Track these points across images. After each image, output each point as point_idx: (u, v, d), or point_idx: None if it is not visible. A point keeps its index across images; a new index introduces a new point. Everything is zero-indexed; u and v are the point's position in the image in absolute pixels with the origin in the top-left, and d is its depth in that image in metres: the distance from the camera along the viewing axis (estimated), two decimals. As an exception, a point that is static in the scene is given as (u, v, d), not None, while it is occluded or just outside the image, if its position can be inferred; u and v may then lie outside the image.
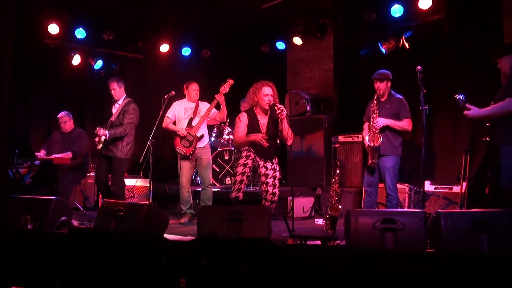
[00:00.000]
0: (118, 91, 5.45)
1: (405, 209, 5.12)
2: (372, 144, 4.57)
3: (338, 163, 4.75)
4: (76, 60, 7.26)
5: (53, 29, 6.73)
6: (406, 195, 5.41)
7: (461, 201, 4.97)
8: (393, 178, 4.63)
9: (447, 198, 5.20)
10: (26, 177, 5.92)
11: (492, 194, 4.74)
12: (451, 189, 5.22)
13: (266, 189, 4.47)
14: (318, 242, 3.75)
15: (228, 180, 6.79)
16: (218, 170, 6.84)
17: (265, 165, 4.53)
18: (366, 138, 4.68)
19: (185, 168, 5.44)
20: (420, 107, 4.28)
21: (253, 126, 4.58)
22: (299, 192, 6.01)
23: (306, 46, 7.38)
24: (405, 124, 4.65)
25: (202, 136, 5.46)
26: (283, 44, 7.64)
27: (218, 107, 5.37)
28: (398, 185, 5.36)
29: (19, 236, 2.93)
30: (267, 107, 4.52)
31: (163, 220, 3.98)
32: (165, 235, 3.63)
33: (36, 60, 7.19)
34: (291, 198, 5.39)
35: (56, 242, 2.81)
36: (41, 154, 5.94)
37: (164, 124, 5.58)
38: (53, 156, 5.81)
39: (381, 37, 6.23)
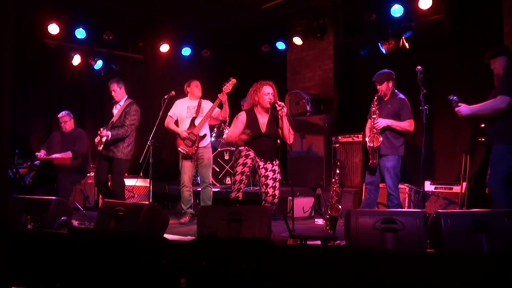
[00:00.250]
0: (119, 92, 5.45)
1: (405, 209, 5.12)
2: (372, 145, 4.57)
3: (338, 163, 4.75)
4: (76, 60, 7.26)
5: (53, 29, 6.74)
6: (406, 195, 5.41)
7: (461, 201, 4.97)
8: (393, 178, 4.62)
9: (447, 198, 5.20)
10: (26, 177, 5.92)
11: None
12: (451, 189, 5.22)
13: (266, 190, 4.46)
14: (318, 242, 3.75)
15: (228, 180, 6.79)
16: (218, 170, 6.84)
17: (265, 166, 4.52)
18: (367, 139, 4.67)
19: (186, 167, 5.44)
20: (420, 107, 4.28)
21: (252, 125, 4.57)
22: (299, 192, 6.01)
23: (306, 46, 7.38)
24: (407, 125, 4.63)
25: (204, 135, 5.46)
26: (283, 44, 7.64)
27: (220, 106, 5.37)
28: (399, 185, 5.36)
29: (19, 236, 2.93)
30: (268, 106, 4.51)
31: (163, 220, 3.98)
32: (165, 235, 3.63)
33: (36, 60, 7.19)
34: (291, 198, 5.39)
35: (56, 242, 2.81)
36: (41, 154, 5.94)
37: (166, 123, 5.58)
38: (53, 156, 5.81)
39: (381, 37, 6.23)
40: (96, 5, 7.00)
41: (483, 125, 4.28)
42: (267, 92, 4.51)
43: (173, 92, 5.58)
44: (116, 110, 5.46)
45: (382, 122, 4.59)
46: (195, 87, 5.58)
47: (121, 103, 5.47)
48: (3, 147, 2.06)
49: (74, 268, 2.62)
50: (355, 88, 6.96)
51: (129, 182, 6.35)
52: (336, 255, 2.32)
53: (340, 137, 6.20)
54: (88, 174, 6.49)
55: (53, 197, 4.23)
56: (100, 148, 5.27)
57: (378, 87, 4.71)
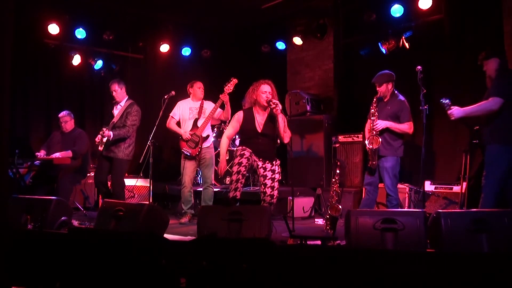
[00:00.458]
0: (120, 93, 5.45)
1: (405, 209, 5.12)
2: (371, 147, 4.56)
3: (338, 163, 4.75)
4: (76, 60, 7.26)
5: (53, 29, 6.74)
6: (406, 195, 5.40)
7: (461, 201, 4.97)
8: (392, 179, 4.62)
9: (447, 198, 5.20)
10: (26, 177, 5.92)
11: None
12: (451, 189, 5.22)
13: (264, 190, 4.46)
14: (318, 242, 3.75)
15: (228, 180, 6.78)
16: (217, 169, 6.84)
17: (264, 165, 4.52)
18: (366, 141, 4.67)
19: (188, 168, 5.44)
20: (420, 107, 4.27)
21: (248, 124, 4.59)
22: (299, 192, 6.01)
23: (306, 46, 7.38)
24: (406, 127, 4.62)
25: (207, 136, 5.48)
26: (283, 44, 7.64)
27: (222, 106, 5.37)
28: (399, 185, 5.36)
29: (19, 236, 2.93)
30: (265, 104, 4.51)
31: (163, 220, 3.98)
32: (165, 235, 3.64)
33: (36, 60, 7.19)
34: (291, 198, 5.39)
35: (56, 242, 2.81)
36: (41, 154, 5.94)
37: (168, 124, 5.58)
38: (53, 156, 5.82)
39: (381, 37, 6.23)
40: (96, 5, 7.00)
41: (477, 127, 4.29)
42: (264, 90, 4.52)
43: (173, 92, 5.58)
44: (116, 111, 5.46)
45: (381, 124, 4.58)
46: (197, 89, 5.58)
47: (122, 103, 5.47)
48: (3, 147, 2.05)
49: (74, 268, 2.62)
50: (355, 88, 6.96)
51: (129, 182, 6.35)
52: (336, 255, 2.32)
53: (340, 137, 6.20)
54: (88, 174, 6.49)
55: (53, 197, 4.23)
56: (101, 148, 5.26)
57: (378, 88, 4.70)
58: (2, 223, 2.08)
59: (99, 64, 7.43)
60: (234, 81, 5.25)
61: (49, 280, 2.69)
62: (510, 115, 3.94)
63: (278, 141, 4.85)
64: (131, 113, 5.35)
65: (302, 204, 5.82)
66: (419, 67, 4.28)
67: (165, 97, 5.53)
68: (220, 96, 5.21)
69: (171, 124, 5.56)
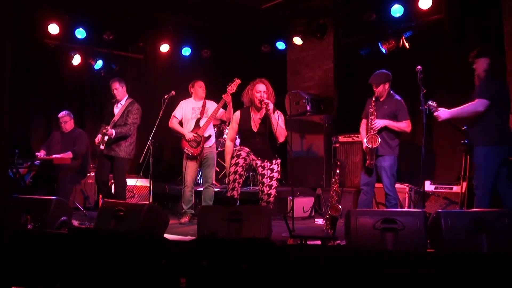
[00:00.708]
0: (121, 91, 5.46)
1: (405, 209, 5.12)
2: (371, 146, 4.56)
3: (338, 163, 4.75)
4: (76, 60, 7.26)
5: (53, 29, 6.74)
6: (406, 195, 5.40)
7: (461, 201, 4.97)
8: (390, 178, 4.62)
9: (447, 198, 5.20)
10: (26, 177, 5.92)
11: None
12: (451, 189, 5.22)
13: (262, 189, 4.46)
14: (318, 242, 3.75)
15: (227, 180, 6.78)
16: (218, 170, 6.84)
17: (262, 164, 4.51)
18: (365, 140, 4.67)
19: (190, 168, 5.45)
20: (420, 107, 4.27)
21: (245, 124, 4.59)
22: (299, 192, 6.01)
23: (306, 46, 7.38)
24: (404, 125, 4.63)
25: (209, 136, 5.48)
26: (283, 44, 7.64)
27: (225, 106, 5.37)
28: (398, 185, 5.36)
29: (19, 236, 2.93)
30: (259, 104, 4.52)
31: (163, 220, 3.98)
32: (165, 235, 3.63)
33: (36, 60, 7.19)
34: (291, 198, 5.39)
35: (56, 242, 2.81)
36: (41, 154, 5.94)
37: (170, 124, 5.58)
38: (53, 156, 5.82)
39: (381, 37, 6.23)
40: (96, 5, 7.00)
41: (464, 128, 4.30)
42: (259, 90, 4.52)
43: (173, 92, 5.57)
44: (117, 109, 5.46)
45: (380, 123, 4.58)
46: (198, 88, 5.58)
47: (122, 102, 5.48)
48: (3, 147, 2.05)
49: (74, 268, 2.63)
50: (355, 88, 6.96)
51: (129, 182, 6.33)
52: (336, 255, 2.32)
53: (340, 137, 6.20)
54: (88, 174, 6.49)
55: (53, 197, 4.23)
56: (102, 147, 5.26)
57: (375, 89, 4.71)
58: (2, 223, 2.08)
59: (99, 64, 7.43)
60: (237, 81, 5.24)
61: (49, 280, 2.69)
62: (496, 117, 3.97)
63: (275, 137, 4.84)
64: (132, 111, 5.37)
65: (302, 204, 5.82)
66: (419, 67, 4.29)
67: (165, 97, 5.53)
68: (223, 96, 5.20)
69: (174, 123, 5.56)
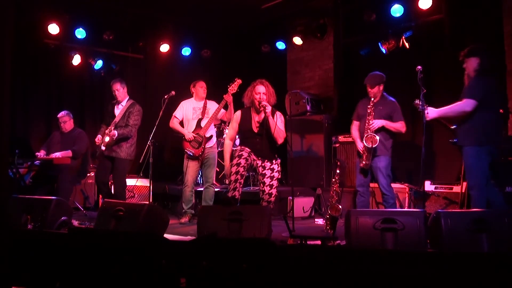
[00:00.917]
0: (122, 92, 5.46)
1: (405, 209, 5.12)
2: (370, 145, 4.58)
3: (338, 163, 4.75)
4: (76, 60, 7.26)
5: (53, 29, 6.74)
6: (406, 195, 5.41)
7: (461, 201, 4.97)
8: (386, 178, 4.66)
9: (447, 198, 5.20)
10: (26, 177, 5.91)
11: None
12: (451, 189, 5.22)
13: (263, 189, 4.47)
14: (318, 242, 3.75)
15: (228, 180, 6.78)
16: (218, 170, 6.84)
17: (263, 164, 4.52)
18: (359, 142, 4.71)
19: (191, 168, 5.45)
20: (420, 107, 4.28)
21: (246, 124, 4.60)
22: (299, 192, 6.01)
23: (306, 46, 7.38)
24: (400, 126, 4.69)
25: (210, 136, 5.49)
26: (283, 44, 7.64)
27: (226, 106, 5.37)
28: (399, 185, 5.37)
29: (19, 236, 2.93)
30: (258, 106, 4.53)
31: (163, 220, 3.98)
32: (165, 235, 3.63)
33: (36, 60, 7.19)
34: (291, 198, 5.39)
35: (56, 242, 2.81)
36: (41, 154, 5.94)
37: (171, 124, 5.58)
38: (53, 156, 5.81)
39: (381, 37, 6.23)
40: (96, 5, 7.00)
41: (453, 126, 4.31)
42: (259, 91, 4.53)
43: (173, 92, 5.57)
44: (118, 110, 5.46)
45: (378, 123, 4.62)
46: (200, 88, 5.58)
47: (123, 103, 5.48)
48: (3, 147, 2.06)
49: (74, 268, 2.62)
50: (355, 88, 6.94)
51: (129, 182, 6.33)
52: (336, 255, 2.32)
53: (340, 137, 6.20)
54: (88, 174, 6.49)
55: (53, 197, 4.23)
56: (104, 147, 5.26)
57: (370, 90, 4.74)
58: (2, 223, 2.08)
59: (99, 64, 7.43)
60: (238, 81, 5.23)
61: (49, 280, 2.69)
62: (484, 117, 3.97)
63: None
64: (133, 113, 5.37)
65: (302, 204, 5.82)
66: (419, 67, 4.29)
67: (165, 97, 5.53)
68: (224, 96, 5.20)
69: (174, 124, 5.56)
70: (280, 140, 4.55)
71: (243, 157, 4.44)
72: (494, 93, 4.04)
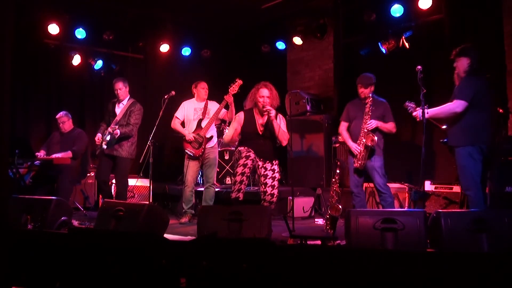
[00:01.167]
0: (124, 91, 5.48)
1: (405, 209, 5.12)
2: (370, 144, 4.61)
3: (338, 163, 4.76)
4: (76, 60, 7.26)
5: (53, 29, 6.74)
6: (406, 195, 5.41)
7: (461, 201, 4.98)
8: (382, 178, 4.72)
9: (447, 198, 5.20)
10: (26, 177, 5.92)
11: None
12: (451, 189, 5.22)
13: (265, 189, 4.47)
14: (318, 242, 3.75)
15: (228, 180, 6.78)
16: (218, 170, 6.83)
17: (264, 165, 4.53)
18: (352, 142, 4.77)
19: (191, 168, 5.45)
20: (420, 107, 4.28)
21: (250, 126, 4.60)
22: (299, 192, 6.01)
23: (306, 46, 7.38)
24: (391, 126, 4.79)
25: (211, 137, 5.49)
26: (283, 44, 7.64)
27: (226, 107, 5.37)
28: (399, 185, 5.38)
29: (19, 236, 2.93)
30: (261, 109, 4.55)
31: (163, 220, 3.98)
32: (165, 235, 3.63)
33: (36, 60, 7.19)
34: (291, 198, 5.39)
35: (56, 242, 2.81)
36: (41, 154, 5.94)
37: (172, 125, 5.59)
38: (53, 156, 5.82)
39: (381, 37, 6.23)
40: (96, 5, 6.99)
41: (444, 127, 4.31)
42: (262, 95, 4.54)
43: (173, 92, 5.58)
44: (119, 109, 5.46)
45: (374, 123, 4.68)
46: (201, 89, 5.58)
47: (124, 102, 5.49)
48: (3, 147, 2.06)
49: (74, 268, 2.62)
50: (355, 88, 6.94)
51: (129, 182, 6.34)
52: (336, 255, 2.32)
53: (340, 137, 6.19)
54: (88, 174, 6.49)
55: (53, 197, 4.23)
56: (105, 146, 5.26)
57: (363, 89, 4.81)
58: (2, 223, 2.08)
59: (99, 64, 7.43)
60: (239, 82, 5.24)
61: (49, 280, 2.69)
62: (475, 117, 3.99)
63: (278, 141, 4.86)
64: (134, 112, 5.38)
65: (302, 204, 5.82)
66: (419, 67, 4.29)
67: (165, 97, 5.53)
68: (225, 97, 5.20)
69: (176, 124, 5.57)
70: (284, 142, 4.60)
71: (250, 158, 4.44)
72: (484, 94, 4.05)
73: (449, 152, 4.40)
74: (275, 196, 4.49)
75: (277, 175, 4.55)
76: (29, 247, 2.82)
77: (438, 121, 4.28)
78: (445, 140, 4.30)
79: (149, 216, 3.75)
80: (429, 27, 6.04)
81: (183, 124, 5.59)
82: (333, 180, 4.67)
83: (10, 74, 2.11)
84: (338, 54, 7.13)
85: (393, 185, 5.49)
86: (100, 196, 6.27)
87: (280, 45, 7.67)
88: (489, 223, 3.13)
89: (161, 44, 7.69)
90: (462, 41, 5.72)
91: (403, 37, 6.02)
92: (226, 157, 6.91)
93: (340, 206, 4.47)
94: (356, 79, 4.94)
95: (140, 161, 5.47)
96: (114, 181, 5.77)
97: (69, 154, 5.89)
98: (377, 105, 4.78)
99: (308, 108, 6.67)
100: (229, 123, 6.77)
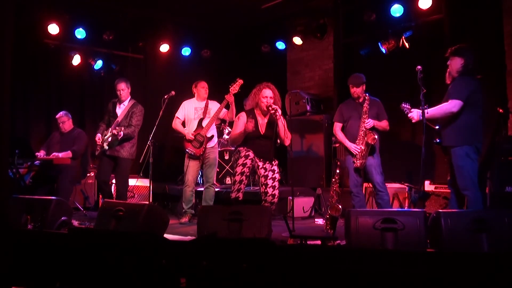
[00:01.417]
0: (126, 92, 5.49)
1: (405, 209, 5.12)
2: (372, 143, 4.64)
3: (338, 163, 4.76)
4: (76, 60, 7.25)
5: (53, 29, 6.74)
6: (406, 195, 5.41)
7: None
8: (380, 175, 4.76)
9: (447, 198, 5.20)
10: (26, 177, 5.91)
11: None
12: (451, 189, 5.22)
13: (266, 190, 4.47)
14: (318, 242, 3.75)
15: (228, 180, 6.79)
16: (218, 170, 6.83)
17: (264, 166, 4.54)
18: (349, 142, 4.80)
19: (192, 167, 5.46)
20: (420, 107, 4.28)
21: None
22: (299, 192, 6.01)
23: (306, 46, 7.38)
24: (386, 124, 4.85)
25: (212, 136, 5.49)
26: (283, 44, 7.64)
27: (227, 106, 5.38)
28: (399, 185, 5.38)
29: (19, 236, 2.93)
30: (265, 109, 4.56)
31: (163, 220, 3.98)
32: (165, 235, 3.64)
33: (36, 60, 7.19)
34: (291, 198, 5.39)
35: (56, 242, 2.81)
36: (41, 154, 5.94)
37: (173, 125, 5.60)
38: (53, 156, 5.81)
39: (381, 37, 6.23)
40: (96, 5, 7.00)
41: (437, 127, 4.32)
42: (266, 95, 4.56)
43: (173, 92, 5.58)
44: (120, 110, 5.47)
45: (371, 123, 4.72)
46: (201, 88, 5.59)
47: (125, 103, 5.49)
48: (3, 147, 2.06)
49: (74, 268, 2.62)
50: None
51: (129, 182, 6.34)
52: (336, 255, 2.32)
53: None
54: (88, 174, 6.48)
55: (53, 197, 4.23)
56: (106, 147, 5.26)
57: (355, 89, 4.85)
58: (2, 223, 2.08)
59: (99, 64, 7.43)
60: (240, 81, 5.24)
61: (49, 280, 2.69)
62: (469, 116, 4.00)
63: (278, 141, 4.86)
64: (136, 113, 5.39)
65: (302, 204, 5.82)
66: (419, 67, 4.29)
67: (165, 97, 5.54)
68: (226, 96, 5.20)
69: (176, 124, 5.58)
70: (287, 141, 4.61)
71: (249, 157, 4.44)
72: (478, 93, 4.06)
73: (442, 152, 4.39)
74: (276, 196, 4.49)
75: (277, 175, 4.56)
76: (29, 247, 2.81)
77: (431, 122, 4.28)
78: (438, 140, 4.29)
79: (149, 216, 3.75)
80: (429, 27, 6.04)
81: (184, 124, 5.60)
82: (333, 180, 4.67)
83: (10, 74, 2.11)
84: (338, 54, 7.13)
85: (393, 185, 5.50)
86: (100, 196, 6.27)
87: (280, 45, 7.67)
88: (489, 223, 3.13)
89: (161, 44, 7.69)
90: (462, 41, 5.73)
91: (403, 37, 6.02)
92: (226, 157, 6.91)
93: (340, 206, 4.47)
94: (347, 81, 4.96)
95: (140, 161, 5.48)
96: (114, 181, 5.78)
97: (69, 154, 5.89)
98: (372, 104, 4.83)
99: (308, 108, 6.67)
100: (229, 123, 6.80)
